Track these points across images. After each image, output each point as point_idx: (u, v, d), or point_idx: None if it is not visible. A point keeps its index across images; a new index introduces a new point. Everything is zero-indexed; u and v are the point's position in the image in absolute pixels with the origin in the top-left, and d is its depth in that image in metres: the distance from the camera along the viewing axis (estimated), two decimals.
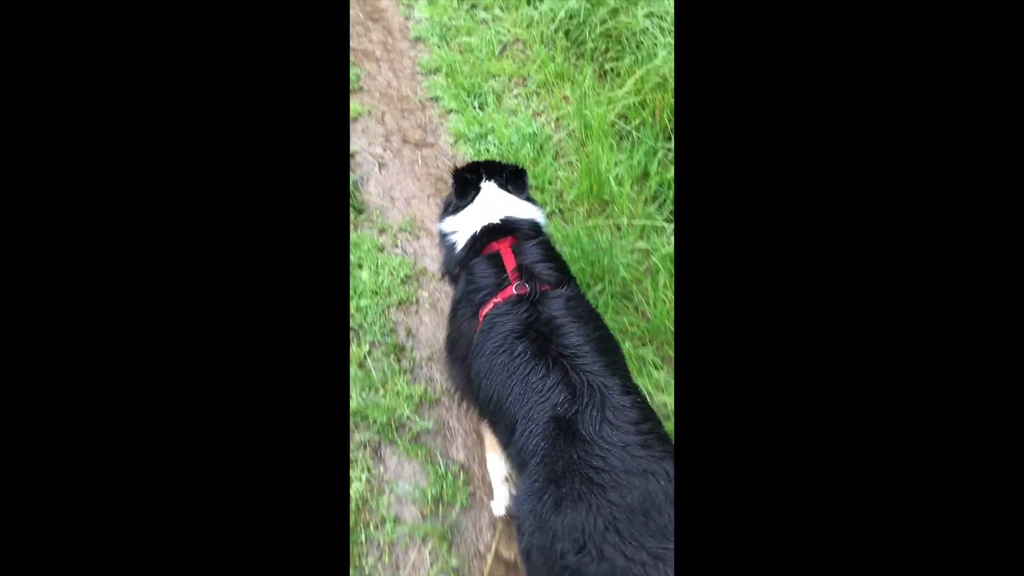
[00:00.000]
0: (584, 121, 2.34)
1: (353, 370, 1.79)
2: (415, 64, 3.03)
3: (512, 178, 1.10)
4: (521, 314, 0.87)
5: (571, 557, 0.74)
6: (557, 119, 2.61)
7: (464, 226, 1.04)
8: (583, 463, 0.78)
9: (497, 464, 1.17)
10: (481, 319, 0.91)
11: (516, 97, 2.78)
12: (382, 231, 2.26)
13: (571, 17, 2.74)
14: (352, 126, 2.68)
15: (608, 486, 0.76)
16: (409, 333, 1.93)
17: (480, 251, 0.97)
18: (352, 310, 1.95)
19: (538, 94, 2.74)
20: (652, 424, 0.85)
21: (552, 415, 0.83)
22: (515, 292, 0.89)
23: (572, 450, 0.79)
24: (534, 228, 1.06)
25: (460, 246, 1.03)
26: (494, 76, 2.86)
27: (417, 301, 2.02)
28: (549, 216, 2.10)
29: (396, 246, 2.22)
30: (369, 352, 1.86)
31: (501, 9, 3.16)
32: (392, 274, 2.07)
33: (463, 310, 1.00)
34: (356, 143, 2.62)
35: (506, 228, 1.00)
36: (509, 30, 3.05)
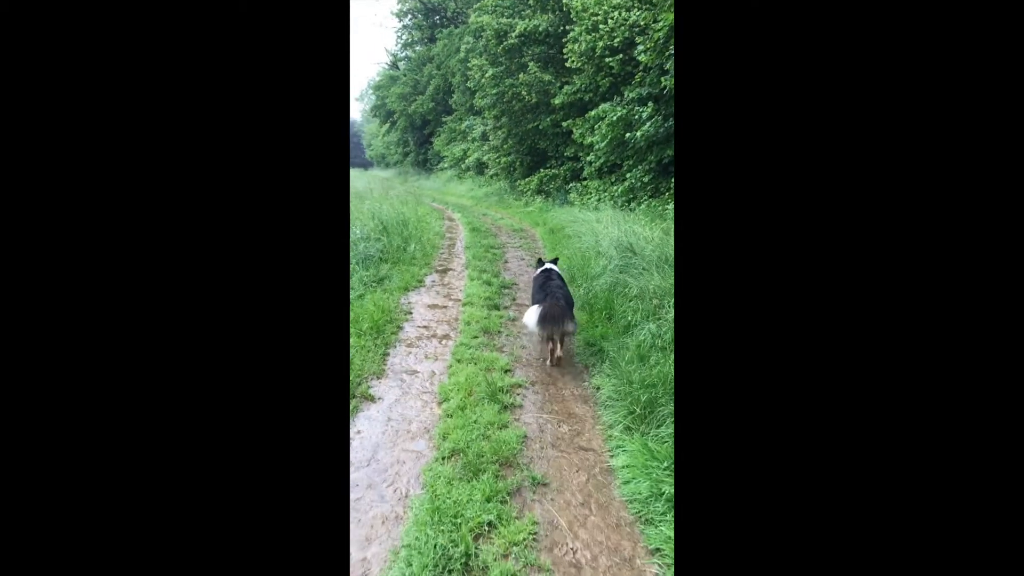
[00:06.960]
0: None
1: None
2: None
3: (554, 261, 5.14)
4: (543, 276, 4.60)
5: (540, 295, 4.24)
6: None
7: (539, 268, 4.89)
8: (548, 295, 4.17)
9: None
10: (535, 279, 4.71)
11: None
12: None
13: None
14: None
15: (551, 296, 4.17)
16: None
17: (543, 271, 4.69)
18: None
19: None
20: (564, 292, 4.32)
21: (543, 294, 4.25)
22: (544, 272, 4.68)
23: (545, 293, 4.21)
24: (556, 268, 4.87)
25: (537, 272, 4.84)
26: None
27: None
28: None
29: None
30: None
31: None
32: None
33: (535, 283, 4.64)
34: None
35: (547, 267, 4.80)
36: None
